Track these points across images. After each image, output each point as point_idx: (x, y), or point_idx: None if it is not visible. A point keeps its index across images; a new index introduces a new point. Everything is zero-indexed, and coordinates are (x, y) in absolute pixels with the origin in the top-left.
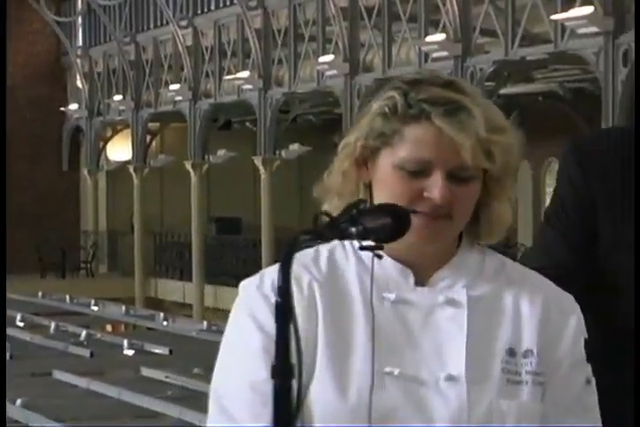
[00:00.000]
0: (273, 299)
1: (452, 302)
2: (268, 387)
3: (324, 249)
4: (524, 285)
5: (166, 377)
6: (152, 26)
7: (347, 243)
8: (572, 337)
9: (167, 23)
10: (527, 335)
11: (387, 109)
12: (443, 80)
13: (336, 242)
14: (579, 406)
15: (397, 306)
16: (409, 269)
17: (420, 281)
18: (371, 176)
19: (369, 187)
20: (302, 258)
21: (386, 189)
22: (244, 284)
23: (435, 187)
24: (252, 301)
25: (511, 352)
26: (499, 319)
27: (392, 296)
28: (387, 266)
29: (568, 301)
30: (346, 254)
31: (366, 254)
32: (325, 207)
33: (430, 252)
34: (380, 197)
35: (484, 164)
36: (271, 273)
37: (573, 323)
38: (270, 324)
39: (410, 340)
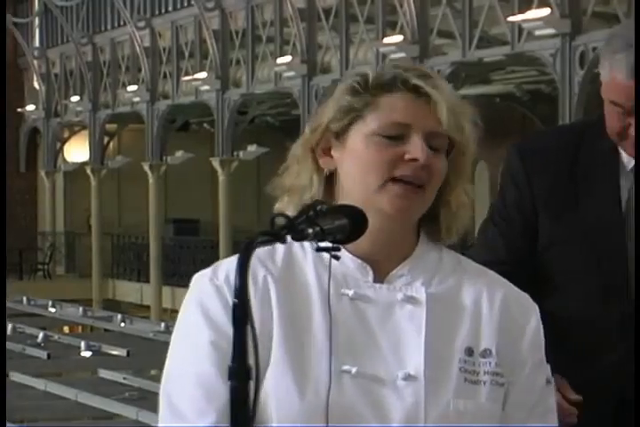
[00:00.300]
0: (226, 291)
1: (410, 300)
2: (214, 382)
3: (280, 244)
4: (483, 283)
5: (124, 379)
6: (109, 27)
7: None
8: (532, 337)
9: (124, 24)
10: (486, 335)
11: (356, 84)
12: None
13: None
14: (541, 407)
15: (356, 302)
16: (368, 265)
17: (379, 277)
18: (337, 162)
19: (329, 178)
20: (258, 252)
21: (360, 161)
22: (197, 276)
23: (416, 148)
24: (203, 293)
25: (469, 351)
26: (457, 318)
27: (350, 292)
28: (345, 261)
29: (527, 300)
30: (303, 250)
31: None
32: (277, 205)
33: (387, 245)
34: (350, 177)
35: (455, 133)
36: (226, 265)
37: (534, 322)
38: (221, 317)
39: (368, 337)
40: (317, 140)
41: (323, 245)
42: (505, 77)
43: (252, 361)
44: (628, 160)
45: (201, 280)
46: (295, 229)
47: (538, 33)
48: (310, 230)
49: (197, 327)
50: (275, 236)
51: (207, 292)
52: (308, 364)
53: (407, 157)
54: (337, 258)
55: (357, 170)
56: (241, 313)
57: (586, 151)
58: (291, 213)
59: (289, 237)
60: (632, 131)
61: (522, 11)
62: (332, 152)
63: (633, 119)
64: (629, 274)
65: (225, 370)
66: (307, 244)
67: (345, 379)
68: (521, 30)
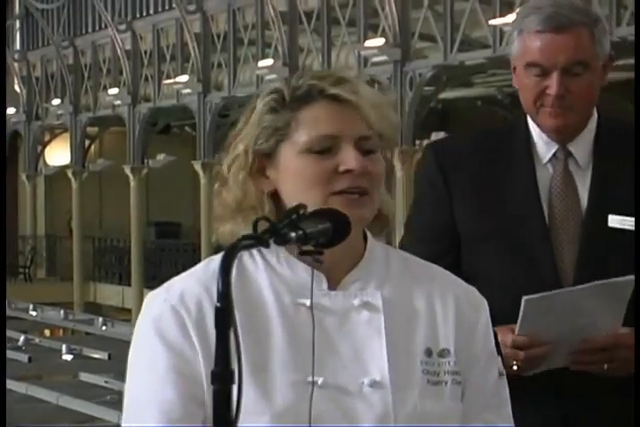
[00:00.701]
0: (182, 311)
1: (367, 306)
2: (176, 409)
3: None
4: (433, 282)
5: (105, 382)
6: (90, 30)
7: (254, 250)
8: (484, 331)
9: (106, 27)
10: (443, 334)
11: (273, 103)
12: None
13: None
14: (495, 399)
15: (313, 312)
16: (322, 273)
17: (332, 284)
18: (274, 183)
19: (273, 196)
20: (211, 266)
21: (296, 180)
22: (149, 296)
23: (348, 158)
24: (158, 315)
25: (428, 352)
26: (414, 320)
27: (307, 302)
28: (298, 271)
29: (475, 294)
30: (254, 261)
31: (276, 259)
32: (227, 228)
33: (341, 251)
34: (292, 196)
35: (385, 129)
36: (179, 284)
37: (484, 317)
38: (178, 339)
39: (329, 346)
40: (252, 162)
41: (305, 248)
42: (486, 80)
43: (234, 365)
44: (544, 153)
45: (155, 301)
46: (278, 232)
47: None
48: (293, 234)
49: (155, 352)
50: (258, 240)
51: (162, 313)
52: (273, 376)
53: (341, 168)
54: (320, 262)
55: (296, 189)
56: (224, 317)
57: (501, 147)
58: (247, 232)
59: (272, 241)
60: (551, 90)
61: (503, 14)
62: (267, 172)
63: (551, 81)
64: (559, 268)
65: (187, 394)
66: (257, 256)
67: (312, 390)
68: (502, 33)
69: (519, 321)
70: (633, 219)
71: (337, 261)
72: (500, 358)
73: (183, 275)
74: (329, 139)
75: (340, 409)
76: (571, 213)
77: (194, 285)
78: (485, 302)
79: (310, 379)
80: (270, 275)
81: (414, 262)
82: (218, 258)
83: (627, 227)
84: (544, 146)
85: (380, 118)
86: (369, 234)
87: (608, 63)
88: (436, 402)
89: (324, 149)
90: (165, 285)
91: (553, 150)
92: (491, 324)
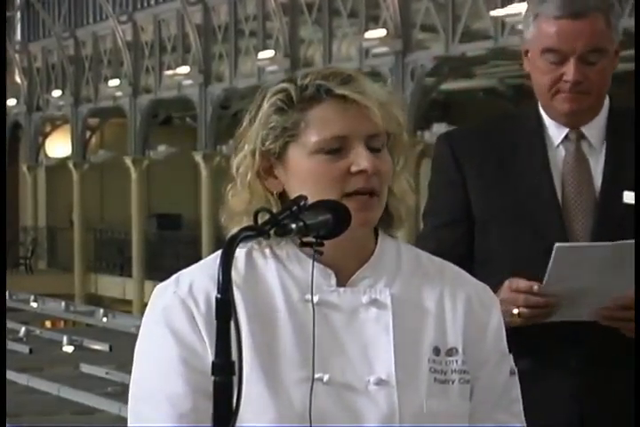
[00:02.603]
0: (191, 303)
1: (375, 303)
2: (185, 401)
3: (240, 251)
4: (444, 280)
5: (106, 373)
6: (91, 21)
7: (263, 243)
8: (495, 331)
9: (107, 18)
10: (451, 333)
11: (280, 103)
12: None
13: (251, 244)
14: (506, 398)
15: (320, 308)
16: (330, 270)
17: (341, 281)
18: (283, 183)
19: (282, 197)
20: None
21: (308, 181)
22: (158, 288)
23: (360, 157)
24: (167, 307)
25: (436, 351)
26: (422, 318)
27: (315, 298)
28: (307, 267)
29: (487, 293)
30: (263, 256)
31: (285, 255)
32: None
33: (350, 249)
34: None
35: (392, 127)
36: (188, 276)
37: (496, 316)
38: (187, 331)
39: (335, 343)
40: (259, 163)
41: (306, 240)
42: (488, 72)
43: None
44: (555, 136)
45: (164, 293)
46: (279, 224)
47: (520, 27)
48: (294, 225)
49: (164, 344)
50: (258, 231)
51: (171, 305)
52: (280, 372)
53: (354, 169)
54: (320, 253)
55: (307, 190)
56: (225, 309)
57: (512, 132)
58: None
59: (272, 233)
60: (568, 77)
61: (504, 5)
62: (276, 172)
63: (568, 68)
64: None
65: (196, 387)
66: (267, 250)
67: (318, 387)
68: (504, 24)
69: (549, 268)
70: None
71: (347, 258)
72: (511, 357)
73: (192, 267)
74: (339, 139)
75: (345, 407)
76: (584, 189)
77: (203, 277)
78: (498, 302)
79: (316, 376)
80: (280, 271)
81: (427, 260)
82: None
83: None
84: (555, 130)
85: (388, 117)
86: (380, 231)
87: (619, 48)
88: (443, 401)
89: (335, 149)
90: (174, 277)
91: (564, 133)
92: (503, 323)
